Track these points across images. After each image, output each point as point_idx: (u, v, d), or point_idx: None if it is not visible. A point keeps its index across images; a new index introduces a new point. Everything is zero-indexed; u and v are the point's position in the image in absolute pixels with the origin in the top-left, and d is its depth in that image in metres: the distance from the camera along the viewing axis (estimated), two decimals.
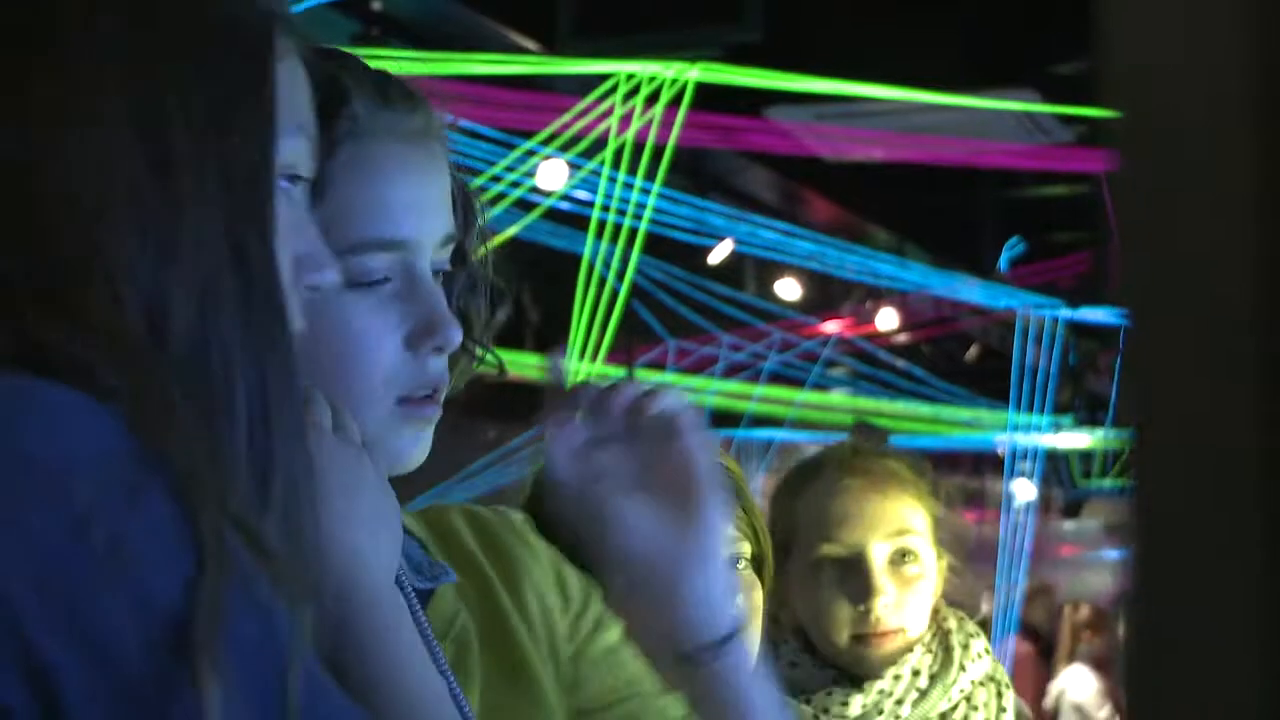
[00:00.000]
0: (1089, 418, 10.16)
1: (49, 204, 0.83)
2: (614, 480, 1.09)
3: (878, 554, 1.95)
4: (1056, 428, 10.12)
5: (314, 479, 0.88)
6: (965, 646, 2.00)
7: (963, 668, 1.98)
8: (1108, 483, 11.81)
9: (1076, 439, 10.53)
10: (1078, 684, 7.95)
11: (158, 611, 0.77)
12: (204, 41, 0.87)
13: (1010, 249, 9.40)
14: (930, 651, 1.98)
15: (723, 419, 7.78)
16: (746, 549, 1.67)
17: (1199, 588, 0.48)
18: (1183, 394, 0.47)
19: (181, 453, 0.81)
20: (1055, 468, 11.41)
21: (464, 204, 1.16)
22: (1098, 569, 11.22)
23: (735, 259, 8.31)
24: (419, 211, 1.10)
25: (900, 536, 1.98)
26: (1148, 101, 0.47)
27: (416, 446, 1.10)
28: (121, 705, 0.76)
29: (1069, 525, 12.51)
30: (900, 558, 1.97)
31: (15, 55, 0.85)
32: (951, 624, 2.02)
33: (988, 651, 2.02)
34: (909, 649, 1.96)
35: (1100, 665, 8.01)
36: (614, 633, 1.21)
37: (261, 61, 0.89)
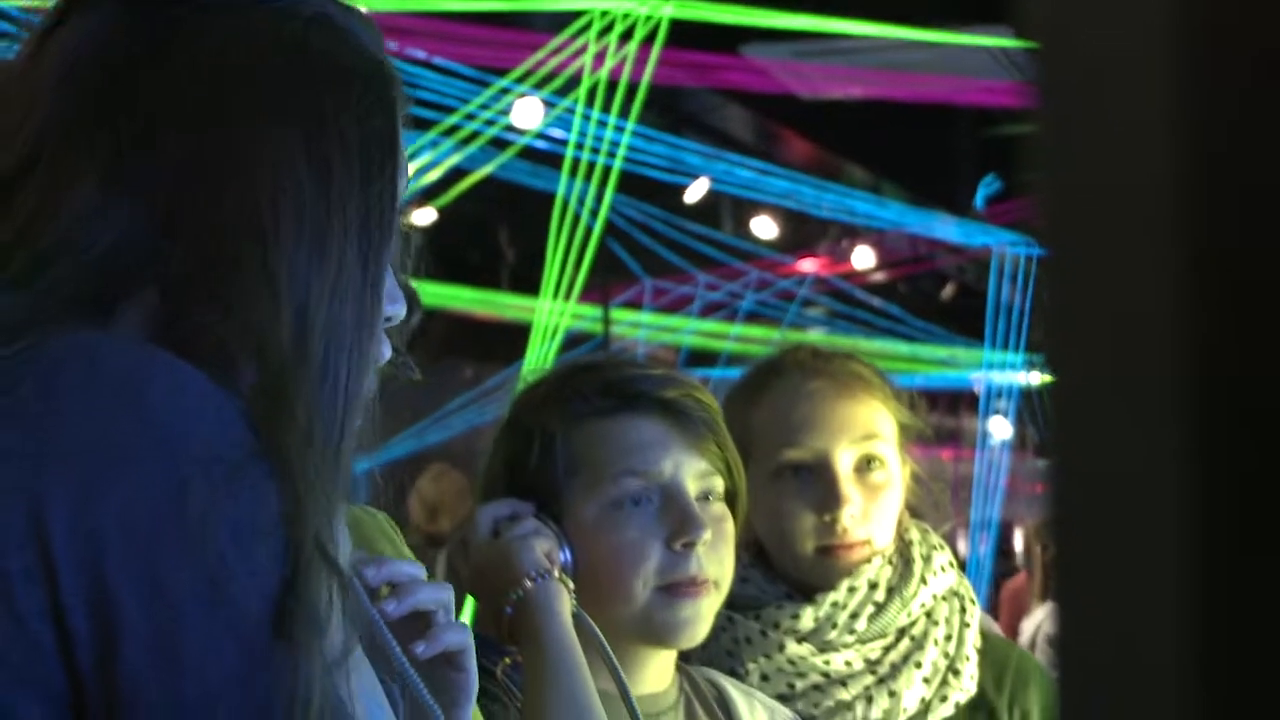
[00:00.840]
0: None
1: (230, 215, 0.94)
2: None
3: (843, 461, 1.85)
4: (1032, 365, 10.15)
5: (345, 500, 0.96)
6: (927, 559, 1.90)
7: (924, 581, 1.88)
8: None
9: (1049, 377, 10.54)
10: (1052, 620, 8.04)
11: (220, 592, 0.84)
12: (357, 91, 1.00)
13: (986, 186, 9.39)
14: (890, 564, 1.87)
15: (699, 358, 7.79)
16: (719, 484, 1.65)
17: (1119, 515, 0.48)
18: (1100, 326, 0.48)
19: (292, 456, 0.89)
20: (1030, 405, 11.45)
21: None
22: None
23: (711, 197, 8.29)
24: None
25: (867, 442, 1.87)
26: (1066, 35, 0.47)
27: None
28: (167, 662, 0.83)
29: (1043, 463, 12.53)
30: (866, 465, 1.86)
31: (217, 94, 0.97)
32: (914, 535, 1.92)
33: (952, 565, 1.92)
34: (871, 561, 1.86)
35: None
36: None
37: (395, 108, 1.02)
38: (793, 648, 1.83)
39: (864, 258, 9.67)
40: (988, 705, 1.87)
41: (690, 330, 8.93)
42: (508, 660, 1.53)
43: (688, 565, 1.57)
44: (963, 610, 1.90)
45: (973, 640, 1.88)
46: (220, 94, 0.97)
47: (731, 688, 1.71)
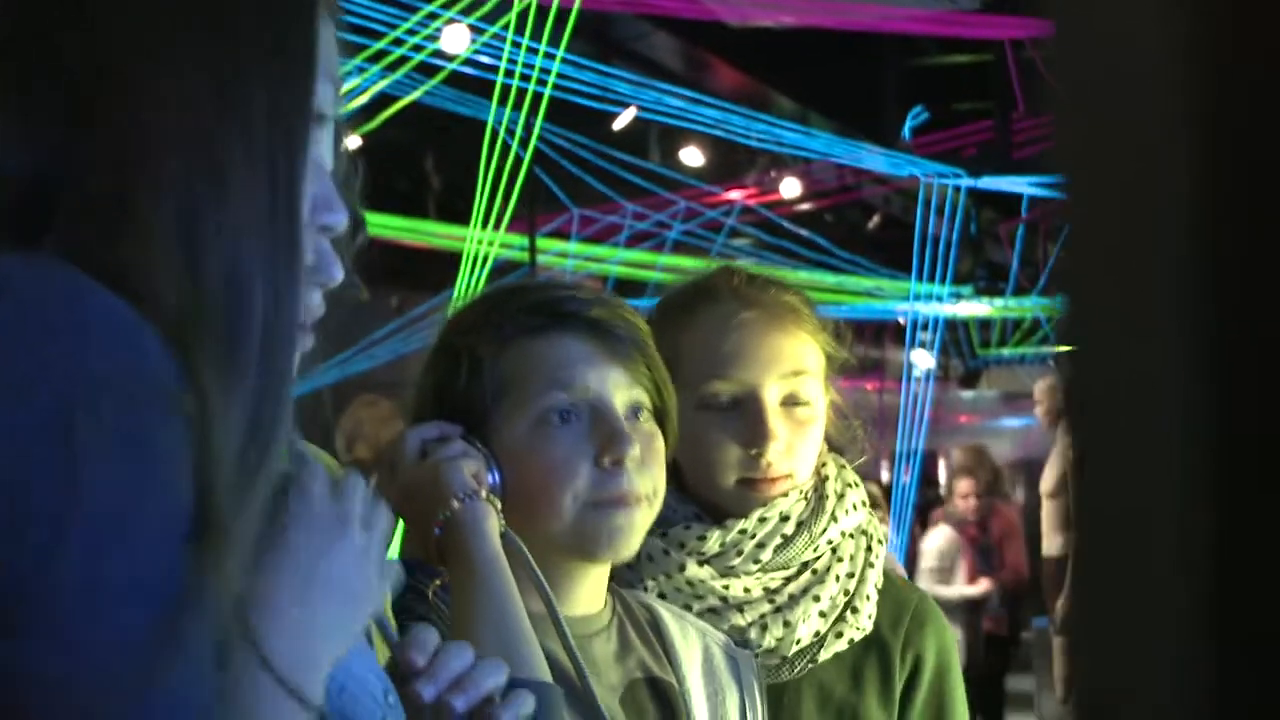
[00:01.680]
0: (989, 287, 10.27)
1: (125, 134, 0.93)
2: None
3: (771, 395, 1.83)
4: (956, 297, 10.22)
5: (289, 423, 0.96)
6: (841, 496, 1.88)
7: (834, 518, 1.86)
8: (1006, 352, 11.96)
9: (976, 308, 10.65)
10: (937, 537, 8.25)
11: (97, 514, 0.84)
12: None
13: (913, 117, 9.42)
14: (804, 499, 1.86)
15: (626, 288, 7.78)
16: (647, 401, 1.65)
17: (1134, 447, 0.48)
18: (1115, 259, 0.48)
19: (205, 385, 0.88)
20: (955, 337, 11.54)
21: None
22: (995, 437, 11.41)
23: (639, 126, 8.26)
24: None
25: (795, 377, 1.84)
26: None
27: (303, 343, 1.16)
28: (47, 576, 0.83)
29: (967, 394, 12.69)
30: (793, 399, 1.84)
31: (120, 10, 0.96)
32: (830, 471, 1.90)
33: (864, 504, 1.91)
34: (784, 496, 1.85)
35: (961, 527, 8.27)
36: None
37: (308, 11, 1.00)
38: (693, 569, 1.82)
39: (791, 188, 9.68)
40: (882, 644, 1.88)
41: (617, 260, 8.92)
42: (438, 582, 1.53)
43: (618, 482, 1.58)
44: (869, 549, 1.90)
45: (875, 580, 1.89)
46: (123, 10, 0.95)
47: (664, 611, 1.72)
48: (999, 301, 10.32)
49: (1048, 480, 7.02)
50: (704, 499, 1.86)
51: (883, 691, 1.86)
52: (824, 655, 1.84)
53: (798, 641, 1.82)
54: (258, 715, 0.93)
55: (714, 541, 1.83)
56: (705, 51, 8.48)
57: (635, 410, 1.62)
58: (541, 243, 7.54)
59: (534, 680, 1.37)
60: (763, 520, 1.84)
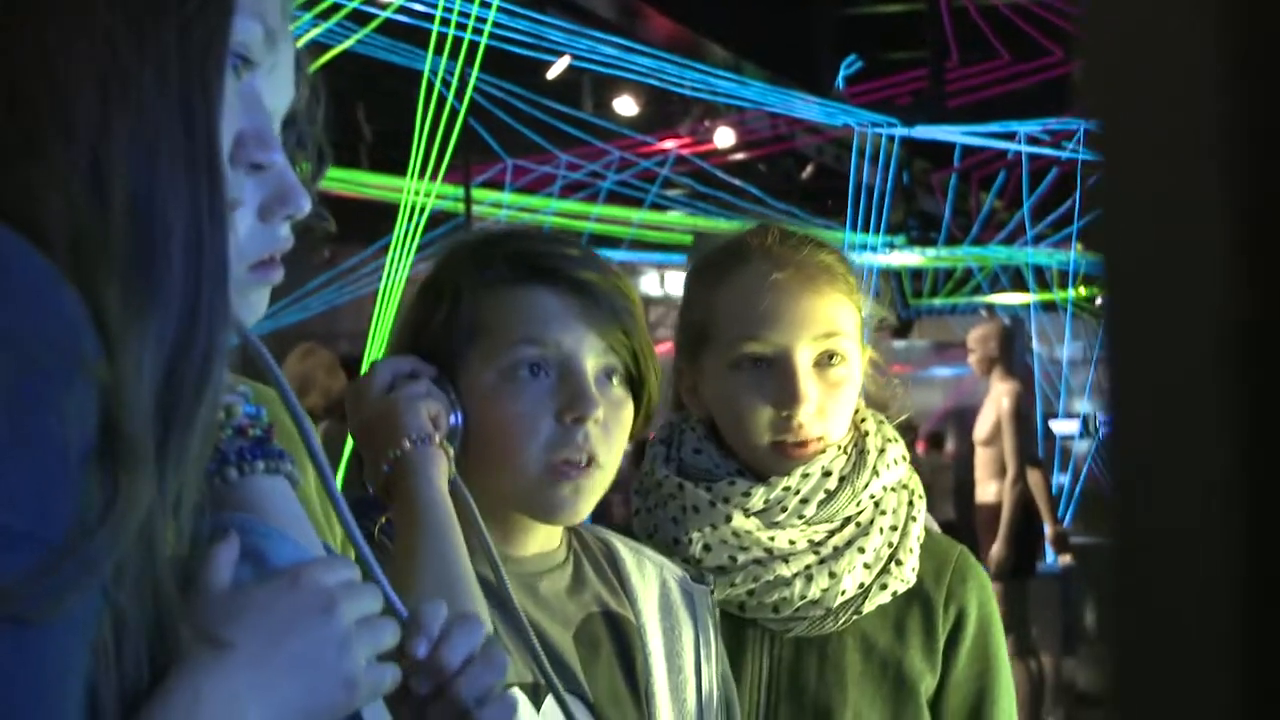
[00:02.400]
0: (921, 237, 10.32)
1: (32, 56, 0.90)
2: None
3: (803, 357, 1.83)
4: (889, 247, 10.25)
5: (224, 362, 0.93)
6: (881, 451, 1.88)
7: (876, 473, 1.87)
8: (938, 301, 12.03)
9: (908, 258, 10.69)
10: None
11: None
12: None
13: (847, 67, 9.42)
14: (844, 453, 1.86)
15: (564, 236, 7.76)
16: (621, 368, 1.64)
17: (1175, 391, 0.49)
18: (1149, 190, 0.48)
19: (113, 305, 0.86)
20: (887, 287, 11.58)
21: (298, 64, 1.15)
22: (927, 386, 11.47)
23: (573, 75, 8.23)
24: (274, 86, 1.12)
25: (829, 338, 1.83)
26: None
27: (261, 307, 1.14)
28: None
29: (899, 344, 12.73)
30: (827, 360, 1.84)
31: None
32: (870, 426, 1.91)
33: (905, 459, 1.91)
34: (826, 451, 1.85)
35: None
36: None
37: None
38: (739, 520, 1.83)
39: (725, 137, 9.67)
40: (925, 597, 1.89)
41: (551, 210, 8.89)
42: (384, 519, 1.53)
43: (576, 441, 1.58)
44: (910, 504, 1.91)
45: (917, 533, 1.90)
46: None
47: (620, 545, 1.73)
48: (931, 251, 10.37)
49: (981, 428, 7.08)
50: (741, 458, 1.87)
51: (926, 644, 1.87)
52: (868, 607, 1.86)
53: (842, 593, 1.84)
54: None
55: (759, 498, 1.84)
56: (639, 0, 8.45)
57: (608, 374, 1.62)
58: (476, 193, 7.51)
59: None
60: (805, 476, 1.85)
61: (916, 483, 1.93)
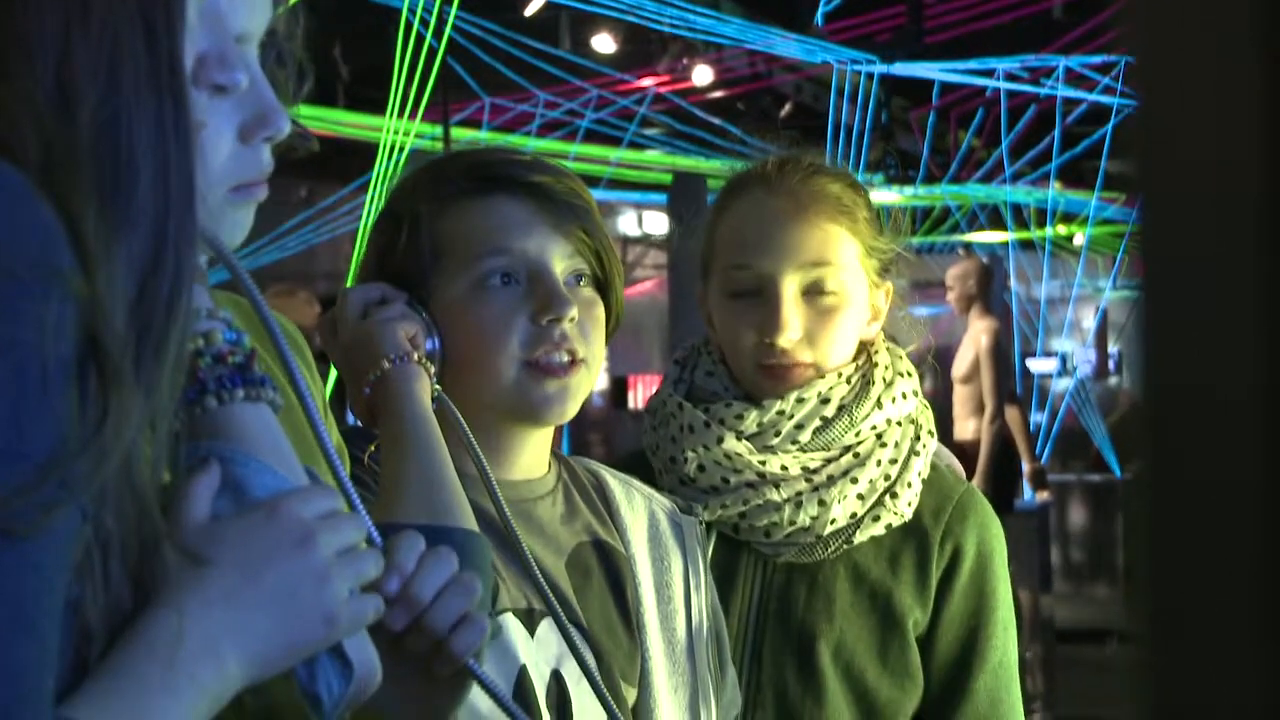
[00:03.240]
0: (899, 175, 10.30)
1: None
2: None
3: (789, 285, 1.84)
4: (868, 185, 10.23)
5: (195, 272, 0.93)
6: (889, 384, 1.89)
7: (879, 404, 1.88)
8: (915, 240, 12.02)
9: (886, 196, 10.68)
10: None
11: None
12: None
13: (826, 3, 9.37)
14: (847, 382, 1.88)
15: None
16: (587, 269, 1.65)
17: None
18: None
19: (88, 222, 0.86)
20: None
21: None
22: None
23: (550, 12, 8.18)
24: (249, 6, 1.11)
25: (818, 268, 1.85)
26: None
27: (246, 224, 1.14)
28: None
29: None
30: (817, 288, 1.85)
31: None
32: (882, 358, 1.91)
33: (916, 394, 1.92)
34: (825, 377, 1.87)
35: None
36: None
37: None
38: (731, 443, 1.85)
39: (703, 75, 9.63)
40: (922, 532, 1.89)
41: (530, 149, 8.85)
42: (373, 446, 1.54)
43: (553, 339, 1.59)
44: (916, 438, 1.91)
45: (919, 468, 1.89)
46: None
47: (609, 476, 1.74)
48: (909, 190, 10.36)
49: (959, 366, 7.09)
50: (741, 383, 1.90)
51: (918, 579, 1.88)
52: (859, 538, 1.86)
53: (832, 521, 1.85)
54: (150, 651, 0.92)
55: (751, 420, 1.86)
56: None
57: (576, 277, 1.63)
58: (454, 132, 7.47)
59: (459, 528, 1.38)
60: (800, 401, 1.86)
61: (927, 418, 1.93)
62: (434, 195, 1.62)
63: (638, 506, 1.73)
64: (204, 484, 1.00)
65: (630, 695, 1.64)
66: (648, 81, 9.49)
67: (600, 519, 1.70)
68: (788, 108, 11.36)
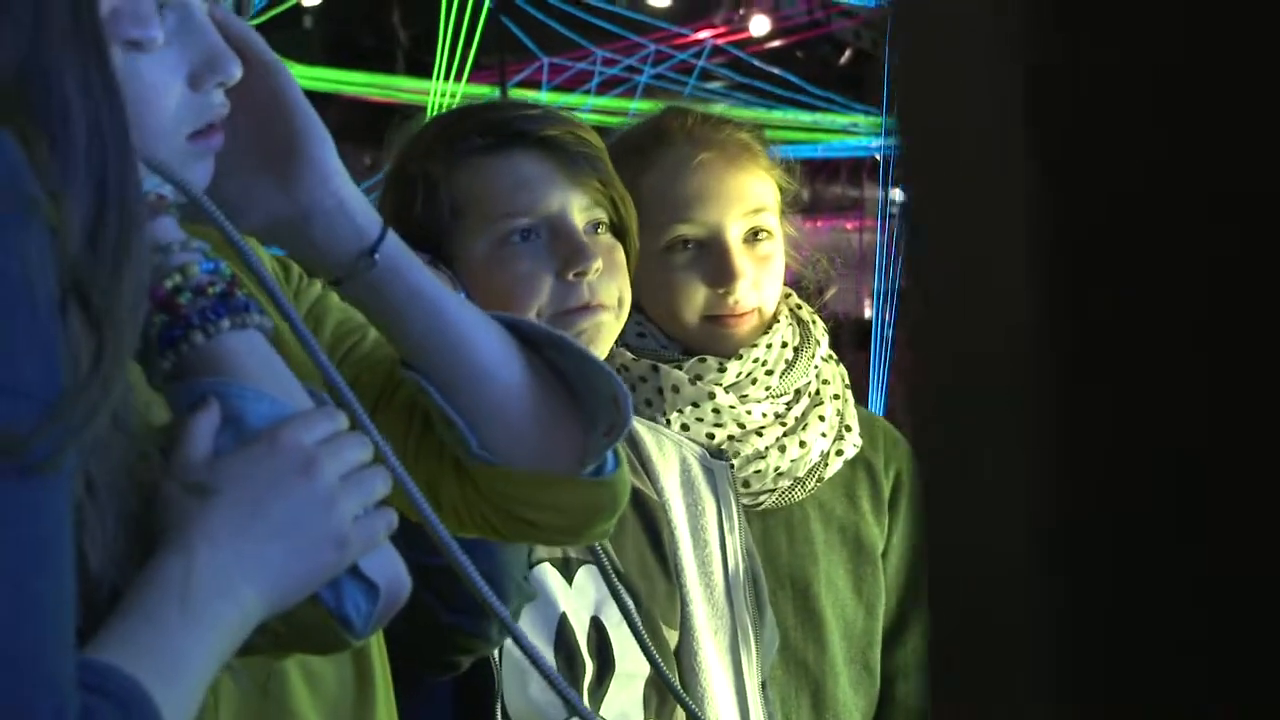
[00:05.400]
0: None
1: None
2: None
3: (734, 233, 1.88)
4: None
5: (142, 226, 0.92)
6: (814, 322, 1.95)
7: (817, 342, 1.94)
8: None
9: None
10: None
11: None
12: None
13: None
14: (792, 324, 1.94)
15: (601, 134, 7.71)
16: (606, 217, 1.66)
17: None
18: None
19: (38, 152, 0.85)
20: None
21: None
22: None
23: None
24: None
25: (756, 214, 1.91)
26: None
27: (207, 174, 1.13)
28: None
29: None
30: (754, 235, 1.90)
31: None
32: (796, 299, 1.98)
33: (825, 331, 1.98)
34: (764, 328, 1.91)
35: None
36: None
37: None
38: (721, 398, 1.87)
39: (760, 25, 9.56)
40: (867, 463, 1.95)
41: (589, 107, 8.84)
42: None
43: (580, 293, 1.59)
44: (842, 374, 1.97)
45: (853, 401, 1.97)
46: None
47: (639, 424, 1.74)
48: None
49: None
50: (676, 338, 1.91)
51: (875, 508, 1.94)
52: (828, 473, 1.91)
53: (809, 461, 1.89)
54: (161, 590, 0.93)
55: (732, 372, 1.88)
56: None
57: (595, 226, 1.64)
58: (513, 93, 7.46)
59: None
60: (769, 347, 1.89)
61: (832, 356, 1.99)
62: (448, 154, 1.62)
63: (668, 453, 1.74)
64: (204, 422, 0.99)
65: (671, 639, 1.64)
66: (704, 34, 9.44)
67: (631, 467, 1.70)
68: (848, 54, 11.28)
